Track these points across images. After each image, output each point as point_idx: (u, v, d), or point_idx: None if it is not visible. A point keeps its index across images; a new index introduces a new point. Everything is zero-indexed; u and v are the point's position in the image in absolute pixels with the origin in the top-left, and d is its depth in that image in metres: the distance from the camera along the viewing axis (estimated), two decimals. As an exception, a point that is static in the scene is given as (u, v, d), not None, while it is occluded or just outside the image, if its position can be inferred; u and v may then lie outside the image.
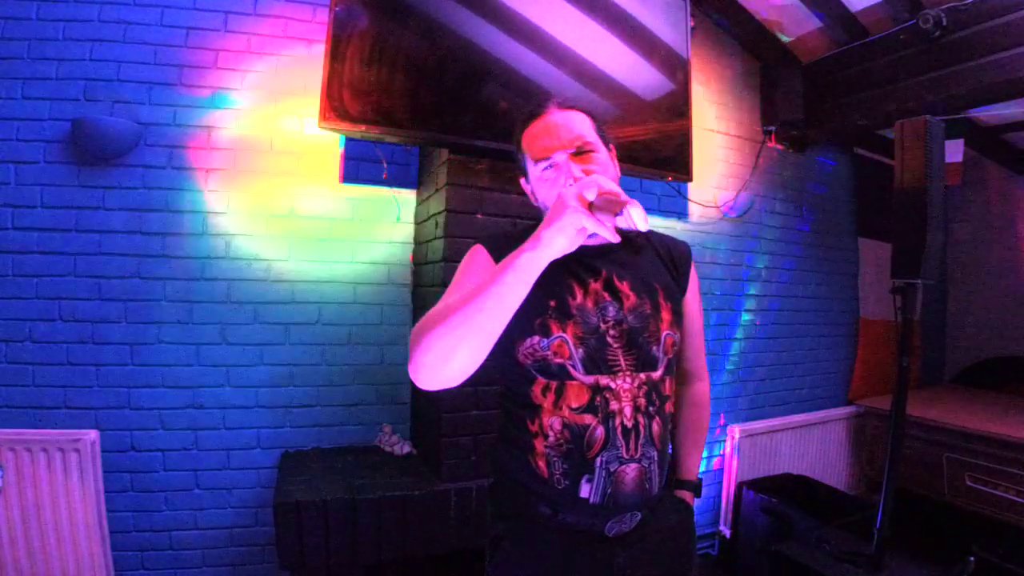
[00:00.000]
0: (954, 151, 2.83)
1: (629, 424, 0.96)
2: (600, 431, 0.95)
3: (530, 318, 0.96)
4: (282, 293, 2.15)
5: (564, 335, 0.97)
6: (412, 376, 0.85)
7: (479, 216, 1.94)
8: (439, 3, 1.93)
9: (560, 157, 0.99)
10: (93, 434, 1.89)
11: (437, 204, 2.00)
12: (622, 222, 0.78)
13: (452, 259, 1.90)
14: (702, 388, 1.27)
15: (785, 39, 3.00)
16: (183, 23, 2.05)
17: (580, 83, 2.14)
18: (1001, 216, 4.05)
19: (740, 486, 2.81)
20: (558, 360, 0.97)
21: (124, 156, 1.98)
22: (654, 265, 1.10)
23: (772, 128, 3.13)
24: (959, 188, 3.74)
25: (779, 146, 3.22)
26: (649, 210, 2.82)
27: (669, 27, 2.39)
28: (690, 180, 2.54)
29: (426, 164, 2.21)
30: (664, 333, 1.02)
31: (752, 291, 3.21)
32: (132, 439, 1.98)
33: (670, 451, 1.06)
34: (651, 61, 2.34)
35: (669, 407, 1.04)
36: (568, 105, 1.03)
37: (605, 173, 0.97)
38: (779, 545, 2.16)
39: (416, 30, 1.90)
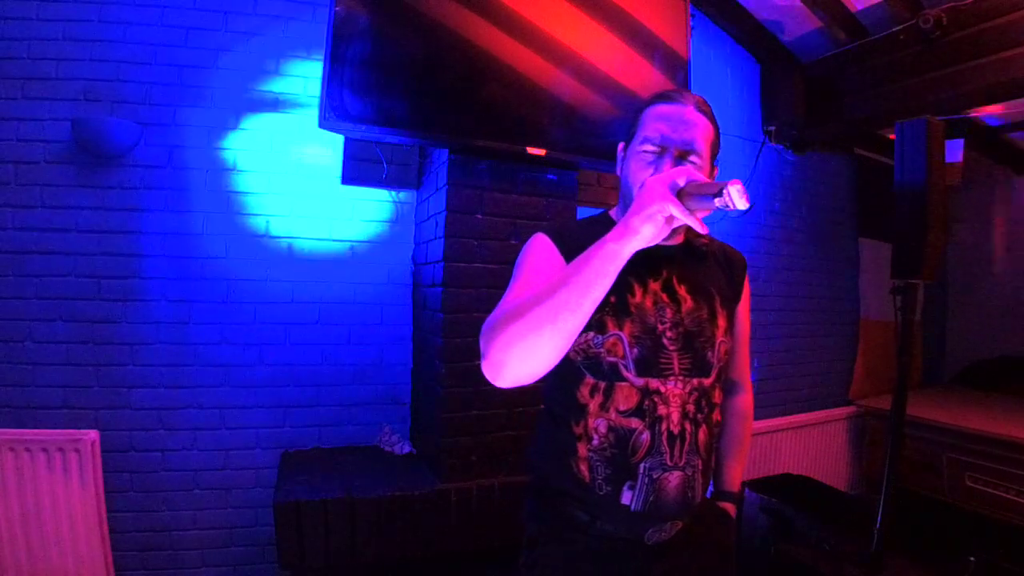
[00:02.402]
0: (954, 151, 2.82)
1: (676, 430, 0.94)
2: (646, 436, 0.93)
3: None
4: (282, 293, 2.15)
5: (620, 333, 0.95)
6: (487, 373, 0.82)
7: (479, 216, 1.94)
8: (439, 3, 1.92)
9: (667, 148, 0.95)
10: (93, 434, 1.89)
11: (437, 204, 2.00)
12: (720, 202, 0.72)
13: (452, 259, 1.90)
14: (746, 399, 1.26)
15: (785, 39, 3.00)
16: (183, 23, 2.05)
17: (580, 82, 2.13)
18: (1001, 216, 4.05)
19: (740, 486, 2.81)
20: (610, 359, 0.95)
21: (124, 156, 1.98)
22: (713, 271, 1.09)
23: (772, 128, 3.13)
24: (959, 188, 3.73)
25: (779, 146, 3.22)
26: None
27: (669, 27, 2.39)
28: (690, 180, 2.54)
29: (426, 164, 2.21)
30: (719, 340, 1.01)
31: (752, 291, 3.20)
32: (132, 439, 1.98)
33: (713, 459, 1.04)
34: (651, 61, 2.34)
35: (717, 415, 1.02)
36: (704, 110, 0.99)
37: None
38: (779, 545, 2.16)
39: (416, 30, 1.90)
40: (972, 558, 2.01)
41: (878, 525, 1.89)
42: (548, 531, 1.03)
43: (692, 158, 0.95)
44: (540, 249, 1.00)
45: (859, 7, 2.64)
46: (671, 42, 2.39)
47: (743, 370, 1.25)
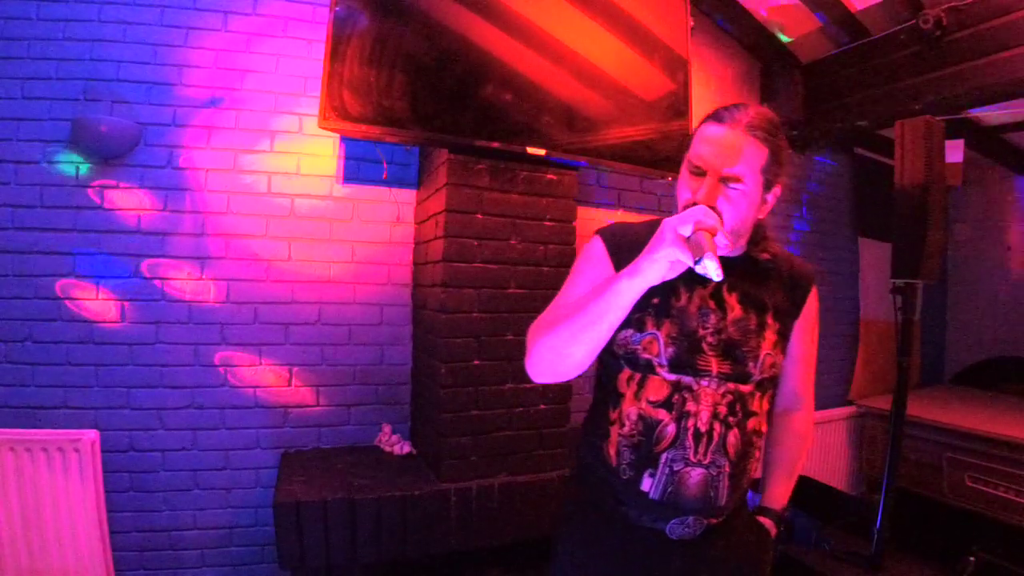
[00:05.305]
0: (954, 151, 2.82)
1: (703, 428, 0.96)
2: (671, 428, 0.96)
3: (630, 312, 0.93)
4: (282, 293, 2.15)
5: (657, 333, 0.98)
6: (527, 370, 0.95)
7: (479, 216, 1.94)
8: (439, 3, 1.92)
9: (708, 171, 0.94)
10: (93, 434, 1.89)
11: (437, 204, 2.00)
12: (700, 268, 0.78)
13: (452, 259, 1.90)
14: (803, 417, 1.22)
15: (785, 39, 3.00)
16: (183, 23, 2.05)
17: (580, 83, 2.13)
18: (1001, 216, 4.05)
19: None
20: (646, 356, 0.98)
21: (124, 156, 1.98)
22: (771, 283, 1.07)
23: (772, 128, 3.13)
24: (959, 188, 3.74)
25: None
26: (650, 210, 2.84)
27: (669, 27, 2.39)
28: (690, 180, 2.54)
29: (426, 164, 2.21)
30: (764, 352, 1.01)
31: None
32: (132, 439, 1.98)
33: (751, 468, 1.03)
34: (651, 61, 2.34)
35: (755, 423, 1.01)
36: (758, 131, 0.94)
37: (734, 209, 0.93)
38: (779, 545, 2.16)
39: (416, 30, 1.90)
40: (972, 558, 2.01)
41: (878, 525, 1.90)
42: (578, 512, 1.08)
43: (733, 184, 0.93)
44: (591, 255, 1.05)
45: (859, 7, 2.65)
46: (671, 42, 2.39)
47: (806, 388, 1.21)
